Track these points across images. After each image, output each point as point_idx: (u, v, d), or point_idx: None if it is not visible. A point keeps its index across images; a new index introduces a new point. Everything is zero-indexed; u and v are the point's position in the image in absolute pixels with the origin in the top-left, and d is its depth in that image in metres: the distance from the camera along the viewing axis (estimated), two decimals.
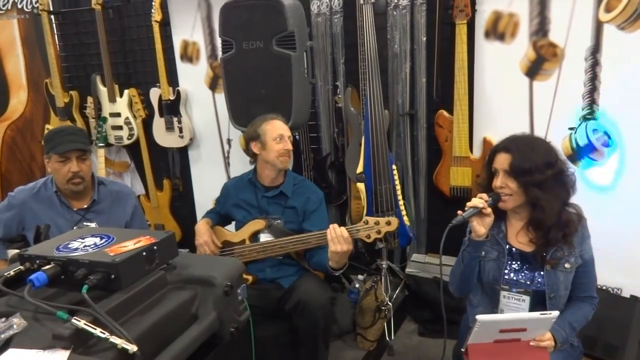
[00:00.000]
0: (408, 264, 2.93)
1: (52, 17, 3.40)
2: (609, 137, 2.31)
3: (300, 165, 2.99)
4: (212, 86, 3.16)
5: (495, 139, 2.47)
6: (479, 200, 1.52)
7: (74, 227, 1.96)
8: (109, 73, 3.25)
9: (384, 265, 2.78)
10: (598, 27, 2.24)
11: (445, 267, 1.75)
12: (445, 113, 2.64)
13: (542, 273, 1.59)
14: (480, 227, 1.53)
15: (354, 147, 2.74)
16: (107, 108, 3.33)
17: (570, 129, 2.39)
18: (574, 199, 1.59)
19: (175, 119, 3.20)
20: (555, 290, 1.58)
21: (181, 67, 3.19)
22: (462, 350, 1.50)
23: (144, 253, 1.12)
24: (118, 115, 3.32)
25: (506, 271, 1.63)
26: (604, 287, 2.36)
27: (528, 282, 1.60)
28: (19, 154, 3.82)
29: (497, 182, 1.56)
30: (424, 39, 2.67)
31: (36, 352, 0.90)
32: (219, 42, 2.63)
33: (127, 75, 3.40)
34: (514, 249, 1.63)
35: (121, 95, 3.30)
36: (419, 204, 2.92)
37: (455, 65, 2.50)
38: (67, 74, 3.54)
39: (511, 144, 1.55)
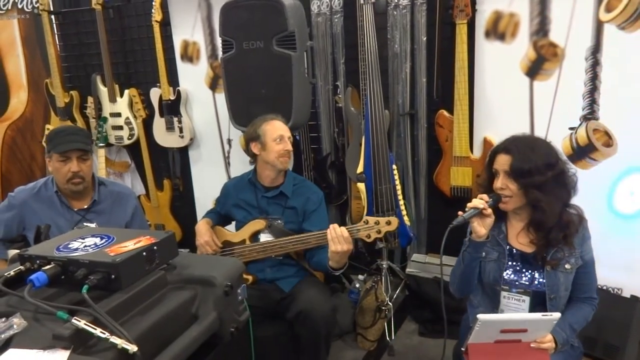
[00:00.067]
0: (408, 264, 2.93)
1: (53, 17, 3.40)
2: (609, 137, 2.31)
3: (300, 165, 2.99)
4: (213, 86, 3.16)
5: (495, 139, 2.48)
6: (480, 201, 1.52)
7: (74, 228, 1.95)
8: (110, 73, 3.25)
9: (384, 265, 2.79)
10: (598, 27, 2.24)
11: (446, 267, 1.75)
12: (445, 113, 2.64)
13: (542, 274, 1.59)
14: (480, 228, 1.53)
15: (354, 147, 2.73)
16: (107, 108, 3.33)
17: (571, 128, 2.39)
18: (576, 200, 1.59)
19: (175, 119, 3.21)
20: (556, 291, 1.57)
21: (181, 67, 3.19)
22: (462, 349, 1.50)
23: (144, 253, 1.12)
24: (118, 115, 3.32)
25: (506, 272, 1.63)
26: (604, 287, 2.35)
27: (528, 283, 1.60)
28: (19, 154, 3.83)
29: (498, 183, 1.56)
30: (424, 38, 2.67)
31: (36, 352, 0.90)
32: (219, 42, 2.63)
33: (127, 75, 3.40)
34: (514, 249, 1.63)
35: (121, 95, 3.30)
36: (419, 204, 2.92)
37: (456, 65, 2.50)
38: (68, 73, 3.55)
39: (511, 145, 1.55)
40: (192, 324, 1.13)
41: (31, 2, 3.49)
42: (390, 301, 2.59)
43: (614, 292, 2.37)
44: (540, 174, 1.49)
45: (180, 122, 3.21)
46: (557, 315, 1.42)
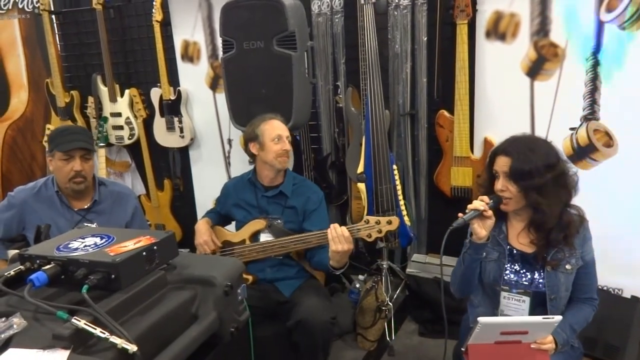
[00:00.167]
0: (408, 264, 2.93)
1: (53, 16, 3.40)
2: (610, 137, 2.31)
3: (300, 165, 2.99)
4: (213, 86, 3.16)
5: (496, 139, 2.48)
6: (480, 203, 1.52)
7: (75, 228, 1.95)
8: (110, 73, 3.25)
9: (384, 266, 2.78)
10: (599, 27, 2.24)
11: (446, 268, 1.75)
12: (446, 113, 2.64)
13: (542, 274, 1.58)
14: (481, 230, 1.52)
15: (354, 147, 2.73)
16: (107, 108, 3.33)
17: (572, 129, 2.39)
18: (576, 200, 1.59)
19: (176, 119, 3.21)
20: (556, 291, 1.57)
21: (182, 67, 3.19)
22: (462, 350, 1.50)
23: (144, 253, 1.12)
24: (119, 115, 3.32)
25: (506, 272, 1.63)
26: (605, 288, 2.35)
27: (528, 283, 1.60)
28: (20, 154, 3.83)
29: (498, 185, 1.56)
30: (425, 38, 2.67)
31: (36, 352, 0.90)
32: (219, 42, 2.63)
33: (127, 75, 3.40)
34: (514, 250, 1.63)
35: (122, 95, 3.30)
36: (419, 204, 2.92)
37: (456, 65, 2.50)
38: (68, 73, 3.55)
39: (510, 147, 1.54)
40: (192, 324, 1.13)
41: (32, 2, 3.49)
42: (390, 301, 2.59)
43: (614, 292, 2.37)
44: (540, 176, 1.49)
45: (180, 122, 3.21)
46: (558, 318, 1.41)
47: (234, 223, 2.31)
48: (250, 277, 2.14)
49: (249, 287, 1.45)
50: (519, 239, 1.63)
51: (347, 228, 1.85)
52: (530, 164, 1.49)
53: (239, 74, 2.52)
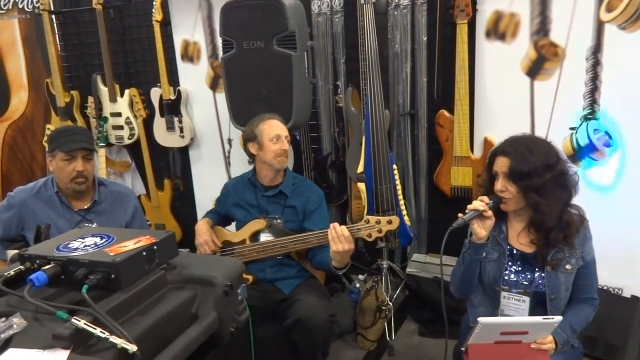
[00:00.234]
0: (409, 263, 2.93)
1: (53, 16, 3.40)
2: (610, 137, 2.31)
3: (300, 165, 2.99)
4: (213, 86, 3.16)
5: (496, 139, 2.48)
6: (480, 203, 1.52)
7: (75, 228, 1.95)
8: (110, 73, 3.25)
9: (384, 265, 2.78)
10: (599, 26, 2.24)
11: (446, 268, 1.75)
12: (446, 113, 2.64)
13: (542, 274, 1.58)
14: (481, 230, 1.53)
15: (354, 146, 2.73)
16: (107, 108, 3.33)
17: (571, 128, 2.39)
18: (576, 199, 1.59)
19: (176, 119, 3.21)
20: (556, 291, 1.57)
21: (182, 66, 3.19)
22: (462, 349, 1.50)
23: (144, 253, 1.12)
24: (119, 115, 3.32)
25: (506, 272, 1.62)
26: (605, 287, 2.35)
27: (528, 283, 1.60)
28: (20, 154, 3.83)
29: (498, 185, 1.56)
30: (425, 38, 2.67)
31: (36, 352, 0.90)
32: (219, 41, 2.63)
33: (127, 75, 3.40)
34: (514, 250, 1.63)
35: (122, 95, 3.30)
36: (419, 203, 2.92)
37: (456, 65, 2.50)
38: (68, 73, 3.55)
39: (510, 147, 1.54)
40: (192, 324, 1.13)
41: (32, 2, 3.49)
42: (390, 301, 2.59)
43: (614, 292, 2.37)
44: (539, 176, 1.49)
45: (180, 121, 3.21)
46: (558, 318, 1.41)
47: (234, 223, 2.31)
48: (250, 277, 2.14)
49: (249, 287, 1.45)
50: (519, 239, 1.63)
51: (347, 228, 1.85)
52: (529, 164, 1.49)
53: (239, 73, 2.52)
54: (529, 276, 1.60)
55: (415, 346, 2.55)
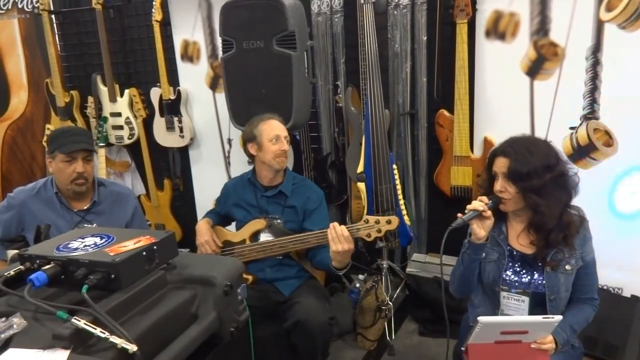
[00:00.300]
0: (409, 263, 2.93)
1: (53, 16, 3.40)
2: (610, 136, 2.31)
3: (300, 165, 2.99)
4: (213, 86, 3.16)
5: (496, 139, 2.48)
6: (479, 203, 1.52)
7: (74, 229, 1.95)
8: (110, 73, 3.25)
9: (384, 265, 2.79)
10: (599, 26, 2.24)
11: (446, 267, 1.75)
12: (445, 112, 2.64)
13: (542, 275, 1.58)
14: (480, 230, 1.53)
15: (354, 146, 2.73)
16: (107, 108, 3.33)
17: (571, 128, 2.39)
18: (576, 199, 1.59)
19: (175, 119, 3.21)
20: (556, 292, 1.57)
21: (182, 66, 3.19)
22: (462, 349, 1.50)
23: (144, 253, 1.12)
24: (119, 115, 3.32)
25: (506, 273, 1.62)
26: (605, 287, 2.35)
27: (528, 284, 1.60)
28: (20, 154, 3.83)
29: (497, 185, 1.56)
30: (425, 38, 2.67)
31: (36, 352, 0.90)
32: (219, 41, 2.63)
33: (127, 74, 3.40)
34: (514, 250, 1.63)
35: (122, 95, 3.30)
36: (419, 203, 2.92)
37: (456, 65, 2.50)
38: (68, 73, 3.55)
39: (509, 148, 1.54)
40: (191, 324, 1.13)
41: (31, 2, 3.49)
42: (390, 301, 2.59)
43: (614, 291, 2.37)
44: (539, 177, 1.49)
45: (180, 121, 3.21)
46: (558, 317, 1.42)
47: (234, 224, 2.31)
48: (250, 277, 2.14)
49: (248, 287, 1.45)
50: (519, 239, 1.63)
51: (347, 227, 1.85)
52: (529, 165, 1.49)
53: (238, 73, 2.52)
54: (528, 277, 1.60)
55: (415, 346, 2.55)
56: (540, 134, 2.43)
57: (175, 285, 1.17)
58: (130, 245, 1.13)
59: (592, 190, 2.34)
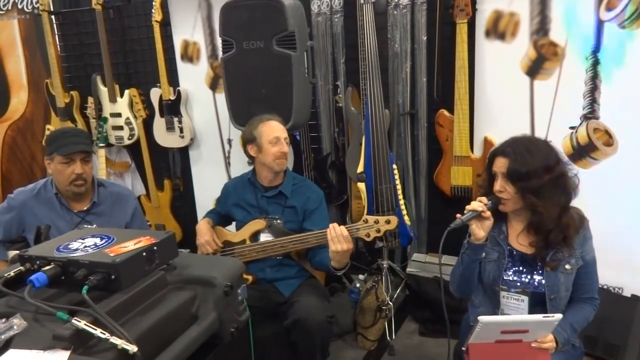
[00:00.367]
0: (409, 263, 2.93)
1: (53, 17, 3.40)
2: (610, 136, 2.31)
3: (300, 165, 2.99)
4: (213, 86, 3.16)
5: (496, 139, 2.48)
6: (478, 204, 1.52)
7: (74, 229, 1.96)
8: (110, 73, 3.25)
9: (384, 265, 2.78)
10: (599, 25, 2.24)
11: (447, 267, 1.75)
12: (445, 112, 2.64)
13: (542, 274, 1.58)
14: (479, 231, 1.53)
15: (354, 146, 2.73)
16: (107, 108, 3.33)
17: (571, 128, 2.39)
18: (576, 199, 1.59)
19: (175, 119, 3.21)
20: (556, 291, 1.57)
21: (182, 67, 3.19)
22: (463, 349, 1.50)
23: (144, 253, 1.12)
24: (119, 115, 3.32)
25: (506, 272, 1.62)
26: (605, 287, 2.35)
27: (528, 285, 1.60)
28: (20, 154, 3.83)
29: (496, 185, 1.56)
30: (425, 38, 2.67)
31: (36, 353, 0.90)
32: (219, 42, 2.63)
33: (127, 75, 3.40)
34: (514, 250, 1.63)
35: (122, 96, 3.30)
36: (419, 203, 2.92)
37: (456, 65, 2.50)
38: (68, 74, 3.55)
39: (509, 148, 1.54)
40: (192, 325, 1.13)
41: (31, 3, 3.49)
42: (390, 301, 2.59)
43: (614, 291, 2.37)
44: (538, 178, 1.49)
45: (180, 122, 3.21)
46: (558, 316, 1.42)
47: (234, 224, 2.31)
48: (250, 277, 2.14)
49: (248, 287, 1.45)
50: (519, 239, 1.63)
51: (346, 227, 1.85)
52: (528, 165, 1.49)
53: (238, 73, 2.52)
54: (528, 276, 1.60)
55: (416, 346, 2.55)
56: (540, 133, 2.43)
57: (176, 285, 1.17)
58: (130, 245, 1.13)
59: (592, 190, 2.35)
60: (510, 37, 2.43)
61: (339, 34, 2.85)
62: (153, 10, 3.07)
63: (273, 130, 2.12)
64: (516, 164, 1.50)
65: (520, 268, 1.62)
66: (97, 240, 1.19)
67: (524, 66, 2.43)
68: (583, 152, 2.37)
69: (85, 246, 1.15)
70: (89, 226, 2.04)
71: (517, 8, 2.38)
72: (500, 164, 1.54)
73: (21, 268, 1.11)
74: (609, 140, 2.32)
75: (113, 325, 0.94)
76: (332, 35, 2.87)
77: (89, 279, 1.03)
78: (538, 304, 1.59)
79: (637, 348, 2.10)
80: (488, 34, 2.47)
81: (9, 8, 3.56)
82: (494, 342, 1.47)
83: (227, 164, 3.27)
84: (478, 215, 1.51)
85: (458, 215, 1.51)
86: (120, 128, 3.34)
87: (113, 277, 1.04)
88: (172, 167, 3.41)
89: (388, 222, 1.88)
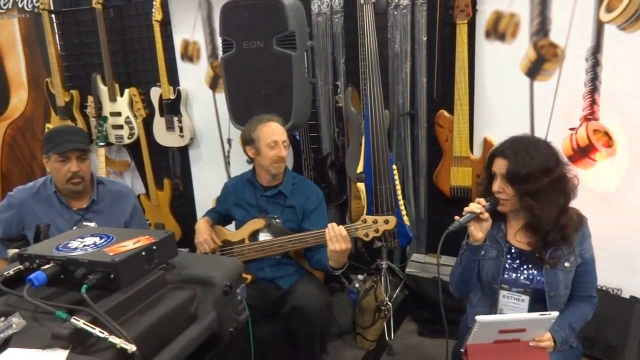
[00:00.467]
0: (408, 263, 2.93)
1: (53, 16, 3.40)
2: (610, 137, 2.31)
3: (300, 165, 2.99)
4: (213, 86, 3.16)
5: (495, 139, 2.48)
6: (477, 206, 1.52)
7: (74, 227, 1.96)
8: (110, 72, 3.25)
9: (383, 265, 2.79)
10: (599, 27, 2.24)
11: (446, 268, 1.75)
12: (445, 113, 2.64)
13: (541, 272, 1.58)
14: (477, 232, 1.53)
15: (354, 146, 2.73)
16: (107, 107, 3.33)
17: (571, 129, 2.39)
18: (576, 200, 1.59)
19: (175, 119, 3.21)
20: (555, 289, 1.57)
21: (182, 66, 3.19)
22: (462, 350, 1.50)
23: (144, 253, 1.12)
24: (119, 114, 3.32)
25: (505, 270, 1.62)
26: (604, 288, 2.35)
27: (528, 282, 1.60)
28: (20, 153, 3.83)
29: (495, 186, 1.56)
30: (425, 38, 2.67)
31: (35, 352, 0.90)
32: (219, 41, 2.63)
33: (127, 74, 3.40)
34: (513, 248, 1.63)
35: (122, 95, 3.30)
36: (419, 203, 2.92)
37: (456, 65, 2.50)
38: (68, 73, 3.55)
39: (509, 149, 1.54)
40: (191, 324, 1.13)
41: (31, 2, 3.49)
42: (389, 301, 2.59)
43: (613, 292, 2.37)
44: (536, 181, 1.49)
45: (180, 121, 3.21)
46: (554, 313, 1.42)
47: (234, 223, 2.31)
48: (249, 276, 2.14)
49: (247, 287, 1.45)
50: (517, 237, 1.63)
51: (345, 227, 1.86)
52: (527, 168, 1.49)
53: (238, 73, 2.52)
54: (528, 274, 1.60)
55: (415, 346, 2.55)
56: (540, 134, 2.43)
57: (175, 285, 1.18)
58: (129, 245, 1.13)
59: (592, 191, 2.36)
60: (511, 38, 2.43)
61: (339, 34, 2.85)
62: (153, 10, 3.07)
63: (271, 134, 2.11)
64: (516, 166, 1.50)
65: (519, 265, 1.62)
66: (97, 240, 1.19)
67: (524, 67, 2.43)
68: (583, 153, 2.37)
69: (85, 245, 1.15)
70: (89, 224, 2.04)
71: (518, 9, 2.39)
72: (500, 165, 1.54)
73: (20, 267, 1.11)
74: (609, 141, 2.32)
75: (112, 325, 0.94)
76: (332, 35, 2.87)
77: (88, 278, 1.04)
78: (538, 302, 1.59)
79: (635, 349, 2.10)
80: (488, 34, 2.47)
81: (9, 7, 3.56)
82: (492, 342, 1.47)
83: (227, 164, 3.27)
84: (476, 217, 1.51)
85: (456, 218, 1.51)
86: (120, 127, 3.34)
87: (112, 276, 1.05)
88: (171, 167, 3.41)
89: (386, 222, 1.88)
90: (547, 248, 1.56)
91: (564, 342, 1.55)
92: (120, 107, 3.31)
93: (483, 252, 1.62)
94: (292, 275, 2.16)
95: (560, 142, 2.38)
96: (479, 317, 1.40)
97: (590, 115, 2.33)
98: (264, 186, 2.20)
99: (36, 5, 3.39)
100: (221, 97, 2.88)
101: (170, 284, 1.17)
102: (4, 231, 2.06)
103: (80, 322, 0.92)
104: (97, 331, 0.92)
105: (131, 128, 3.32)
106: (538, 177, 1.49)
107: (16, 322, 0.97)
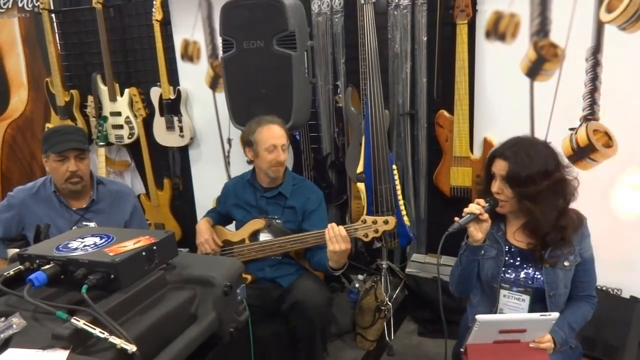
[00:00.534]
0: (408, 264, 2.93)
1: (53, 15, 3.40)
2: (610, 137, 2.31)
3: (300, 165, 2.99)
4: (213, 85, 3.16)
5: (495, 139, 2.48)
6: (476, 207, 1.52)
7: (74, 227, 1.96)
8: (110, 72, 3.25)
9: (384, 265, 2.79)
10: (599, 27, 2.24)
11: (446, 268, 1.75)
12: (445, 113, 2.64)
13: (541, 271, 1.58)
14: (477, 233, 1.53)
15: (354, 146, 2.74)
16: (107, 107, 3.33)
17: (571, 129, 2.39)
18: (576, 201, 1.59)
19: (175, 118, 3.21)
20: (555, 288, 1.57)
21: (182, 66, 3.19)
22: (462, 350, 1.50)
23: (144, 253, 1.12)
24: (119, 114, 3.32)
25: (505, 269, 1.63)
26: (604, 288, 2.35)
27: (527, 281, 1.60)
28: (20, 153, 3.83)
29: (494, 187, 1.56)
30: (425, 38, 2.67)
31: (35, 352, 0.90)
32: (219, 41, 2.63)
33: (127, 74, 3.40)
34: (512, 247, 1.63)
35: (122, 94, 3.30)
36: (419, 204, 2.92)
37: (456, 65, 2.50)
38: (68, 72, 3.55)
39: (509, 151, 1.54)
40: (191, 324, 1.13)
41: (32, 1, 3.49)
42: (389, 301, 2.59)
43: (613, 292, 2.37)
44: (535, 184, 1.49)
45: (180, 121, 3.21)
46: (555, 315, 1.42)
47: (234, 223, 2.31)
48: (249, 277, 2.14)
49: (248, 287, 1.45)
50: (516, 236, 1.64)
51: (345, 227, 1.86)
52: (527, 170, 1.49)
53: (238, 73, 2.52)
54: (527, 273, 1.61)
55: (415, 346, 2.55)
56: (539, 135, 2.43)
57: (175, 285, 1.17)
58: (129, 245, 1.13)
59: (592, 192, 2.35)
60: (511, 38, 2.43)
61: (339, 34, 2.86)
62: (153, 10, 3.07)
63: (270, 137, 2.10)
64: (516, 168, 1.50)
65: (519, 264, 1.62)
66: (97, 240, 1.19)
67: (524, 67, 2.43)
68: (582, 153, 2.37)
69: (85, 245, 1.15)
70: (88, 224, 2.04)
71: (518, 9, 2.38)
72: (500, 167, 1.54)
73: (20, 267, 1.11)
74: (609, 141, 2.32)
75: (112, 325, 0.94)
76: (332, 35, 2.87)
77: (88, 278, 1.03)
78: (538, 301, 1.59)
79: (635, 349, 2.10)
80: (488, 34, 2.47)
81: (9, 6, 3.56)
82: (492, 342, 1.47)
83: (227, 164, 3.27)
84: (476, 218, 1.51)
85: (456, 219, 1.51)
86: (120, 127, 3.34)
87: (112, 276, 1.04)
88: (171, 167, 3.41)
89: (386, 222, 1.88)
90: (546, 248, 1.56)
91: (564, 343, 1.55)
92: (120, 107, 3.31)
93: (483, 251, 1.62)
94: (292, 274, 2.16)
95: (560, 142, 2.38)
96: (479, 316, 1.41)
97: (590, 116, 2.33)
98: (264, 187, 2.20)
99: (36, 4, 3.39)
100: (221, 97, 2.88)
101: (170, 284, 1.17)
102: (4, 231, 2.06)
103: (80, 323, 0.92)
104: (97, 331, 0.92)
105: (131, 128, 3.32)
106: (538, 180, 1.49)
107: (16, 322, 0.96)
